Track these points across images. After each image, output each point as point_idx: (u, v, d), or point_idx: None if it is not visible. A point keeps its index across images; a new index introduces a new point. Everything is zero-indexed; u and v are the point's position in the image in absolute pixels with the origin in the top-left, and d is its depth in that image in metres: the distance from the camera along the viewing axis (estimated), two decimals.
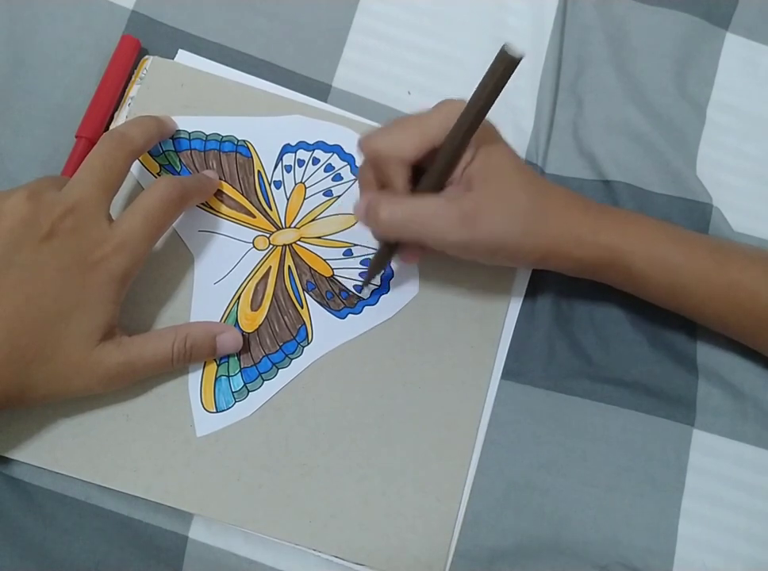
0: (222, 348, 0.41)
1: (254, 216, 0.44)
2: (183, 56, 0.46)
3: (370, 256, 0.44)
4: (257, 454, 0.41)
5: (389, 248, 0.41)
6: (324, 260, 0.44)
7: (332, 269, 0.43)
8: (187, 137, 0.44)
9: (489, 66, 0.32)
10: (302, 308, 0.43)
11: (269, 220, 0.44)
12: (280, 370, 0.42)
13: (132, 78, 0.45)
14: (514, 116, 0.48)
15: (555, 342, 0.44)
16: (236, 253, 0.43)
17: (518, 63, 0.32)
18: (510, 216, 0.37)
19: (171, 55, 0.46)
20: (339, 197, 0.45)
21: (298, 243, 0.44)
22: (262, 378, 0.42)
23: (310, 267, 0.43)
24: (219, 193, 0.44)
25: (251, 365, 0.42)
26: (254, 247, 0.44)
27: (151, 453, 0.40)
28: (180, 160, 0.44)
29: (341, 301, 0.43)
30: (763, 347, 0.42)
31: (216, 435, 0.40)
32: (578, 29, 0.49)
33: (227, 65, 0.46)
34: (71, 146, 0.44)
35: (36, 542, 0.39)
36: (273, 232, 0.44)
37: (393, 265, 0.44)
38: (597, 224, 0.39)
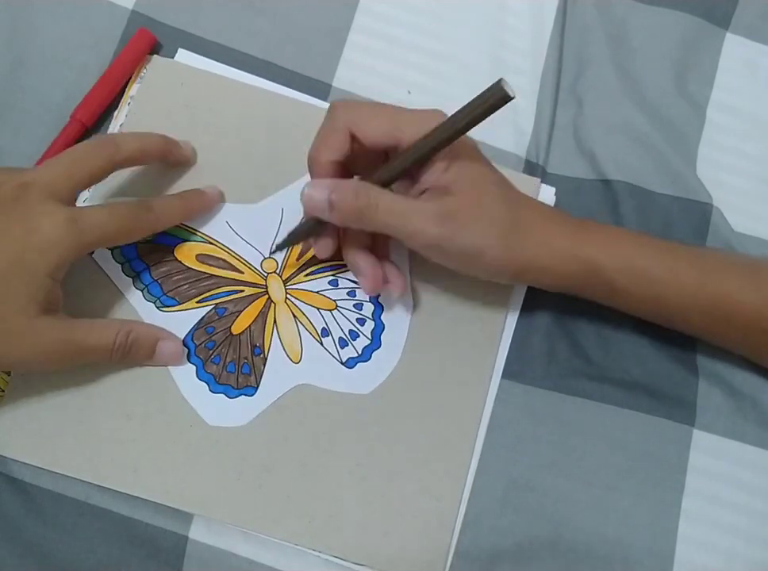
0: (160, 355, 0.40)
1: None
2: (183, 56, 0.46)
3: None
4: (257, 454, 0.41)
5: (317, 227, 0.39)
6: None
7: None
8: None
9: (482, 91, 0.32)
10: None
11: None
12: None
13: (132, 78, 0.45)
14: (514, 116, 0.48)
15: (555, 342, 0.44)
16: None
17: (509, 100, 0.32)
18: (489, 224, 0.37)
19: (171, 55, 0.46)
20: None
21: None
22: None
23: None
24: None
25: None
26: (261, 263, 0.43)
27: (151, 453, 0.40)
28: None
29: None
30: (752, 355, 0.43)
31: (216, 435, 0.40)
32: (578, 29, 0.49)
33: (227, 65, 0.46)
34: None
35: (36, 542, 0.39)
36: (275, 275, 0.43)
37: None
38: (576, 237, 0.39)
